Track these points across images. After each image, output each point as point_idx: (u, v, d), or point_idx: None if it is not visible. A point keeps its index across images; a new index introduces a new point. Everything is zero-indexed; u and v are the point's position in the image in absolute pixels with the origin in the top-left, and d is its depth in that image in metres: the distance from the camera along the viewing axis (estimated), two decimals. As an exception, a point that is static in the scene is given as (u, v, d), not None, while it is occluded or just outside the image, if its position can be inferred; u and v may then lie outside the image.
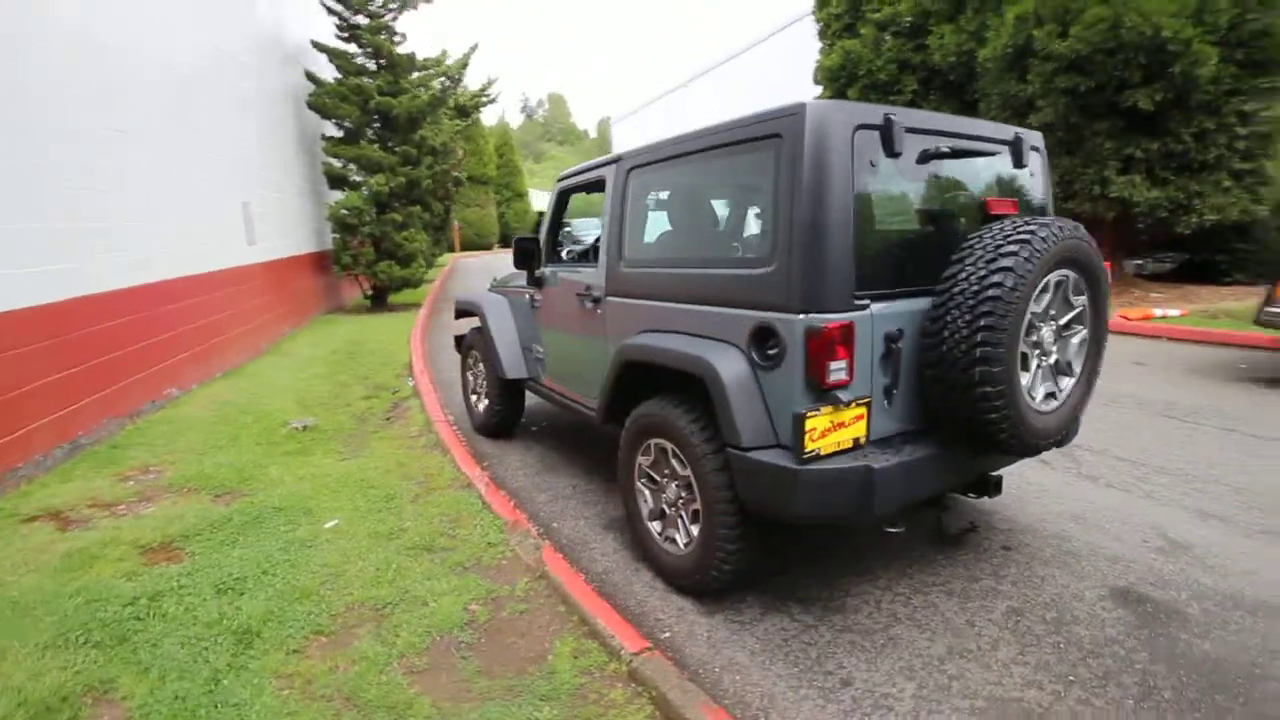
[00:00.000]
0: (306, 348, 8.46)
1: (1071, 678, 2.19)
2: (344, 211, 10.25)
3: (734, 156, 2.53)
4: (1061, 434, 2.50)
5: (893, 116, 2.22)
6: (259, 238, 8.48)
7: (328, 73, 10.95)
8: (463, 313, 5.11)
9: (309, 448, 4.67)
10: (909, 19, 9.97)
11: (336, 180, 10.93)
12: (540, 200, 52.40)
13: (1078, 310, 2.45)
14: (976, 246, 2.21)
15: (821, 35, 11.92)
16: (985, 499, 3.06)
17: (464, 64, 12.98)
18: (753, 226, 2.63)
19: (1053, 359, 2.43)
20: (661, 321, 2.77)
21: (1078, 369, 2.51)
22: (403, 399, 6.05)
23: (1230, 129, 7.35)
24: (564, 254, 4.16)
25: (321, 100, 10.46)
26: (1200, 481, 3.62)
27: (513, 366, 4.31)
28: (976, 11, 8.97)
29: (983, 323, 2.09)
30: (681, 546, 2.69)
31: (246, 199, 8.25)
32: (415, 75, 11.32)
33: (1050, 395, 2.44)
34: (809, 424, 2.10)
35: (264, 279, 8.59)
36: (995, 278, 2.10)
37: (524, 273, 4.27)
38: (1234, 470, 3.74)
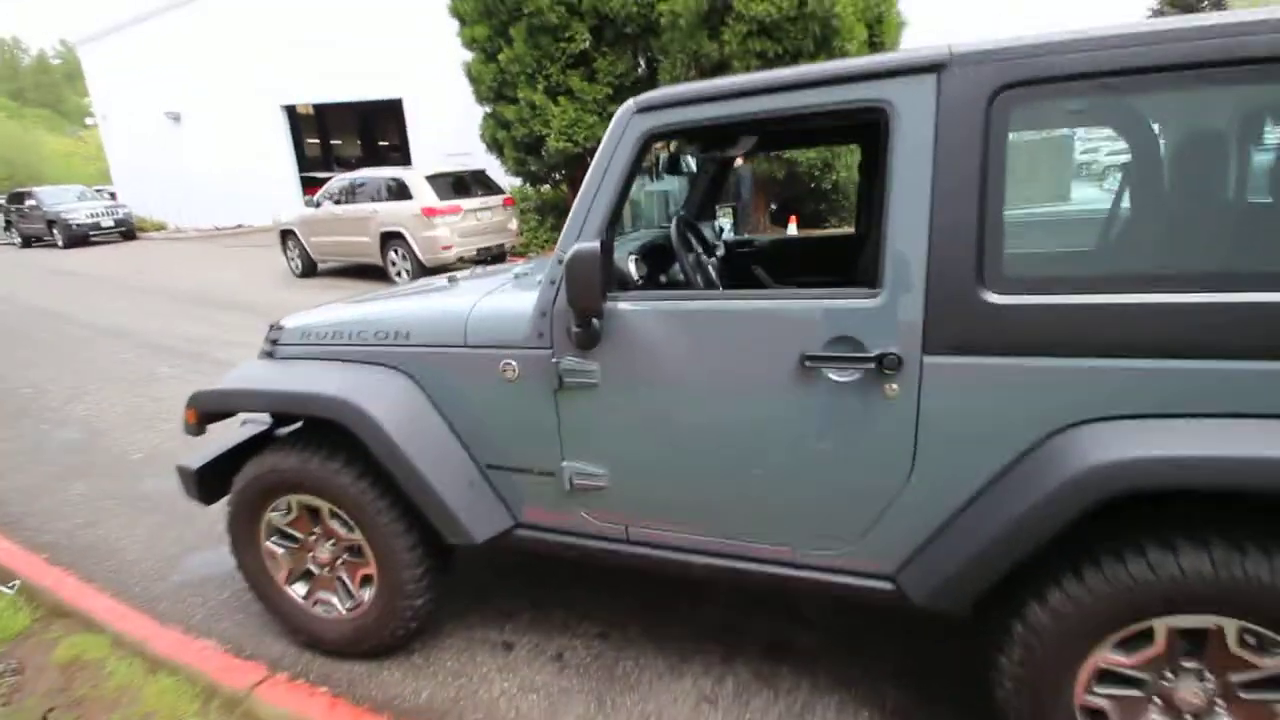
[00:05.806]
0: None
1: None
2: None
3: None
4: None
5: None
6: None
7: None
8: (216, 415, 2.41)
9: None
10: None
11: None
12: None
13: None
14: None
15: (460, -37, 9.97)
16: None
17: None
18: None
19: None
20: (1170, 392, 1.42)
21: None
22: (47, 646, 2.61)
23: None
24: (634, 273, 2.10)
25: None
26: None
27: (482, 516, 2.12)
28: (647, -37, 8.64)
29: None
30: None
31: None
32: None
33: None
34: None
35: None
36: None
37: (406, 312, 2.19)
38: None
